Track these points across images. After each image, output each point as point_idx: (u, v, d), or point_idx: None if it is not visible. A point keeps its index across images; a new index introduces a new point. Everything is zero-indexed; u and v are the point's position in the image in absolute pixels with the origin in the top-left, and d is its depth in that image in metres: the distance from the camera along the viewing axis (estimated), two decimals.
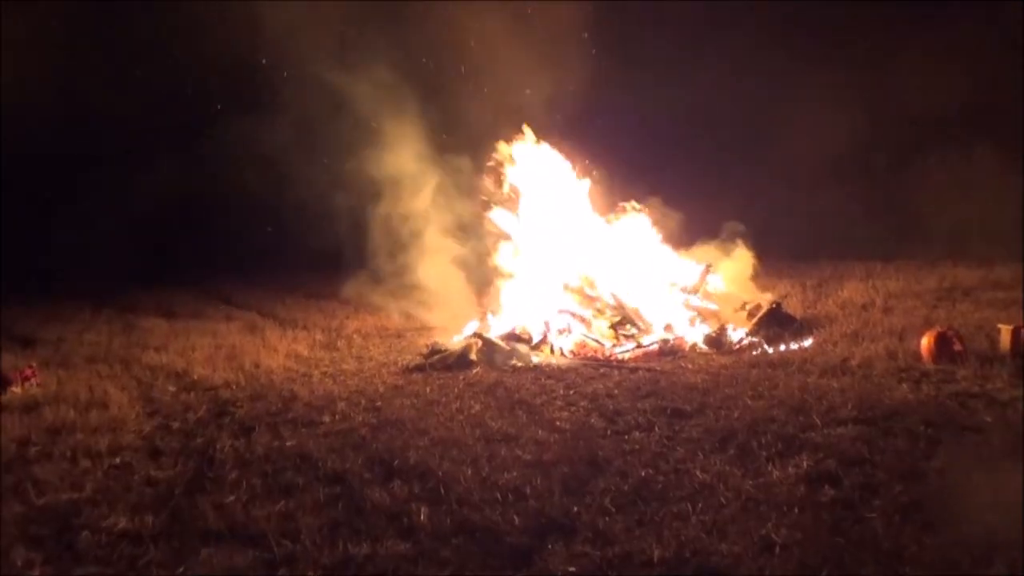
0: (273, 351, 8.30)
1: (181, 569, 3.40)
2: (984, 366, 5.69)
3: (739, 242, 9.46)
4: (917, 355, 6.22)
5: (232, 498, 4.10)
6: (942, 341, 6.08)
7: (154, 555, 3.53)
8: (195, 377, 7.16)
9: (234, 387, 6.76)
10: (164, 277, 14.73)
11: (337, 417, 5.62)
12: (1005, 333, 6.23)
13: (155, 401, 6.39)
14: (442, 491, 4.03)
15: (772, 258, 12.25)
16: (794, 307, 8.85)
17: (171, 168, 14.31)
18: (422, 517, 3.71)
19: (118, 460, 4.87)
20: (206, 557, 3.46)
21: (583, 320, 7.82)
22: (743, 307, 8.45)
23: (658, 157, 14.76)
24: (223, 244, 16.61)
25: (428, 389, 6.39)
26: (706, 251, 9.47)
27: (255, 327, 10.08)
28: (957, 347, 6.05)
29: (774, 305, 8.08)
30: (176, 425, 5.67)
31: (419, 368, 7.19)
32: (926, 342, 6.15)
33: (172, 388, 6.81)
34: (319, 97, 10.31)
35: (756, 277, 9.74)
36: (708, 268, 8.87)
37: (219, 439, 5.21)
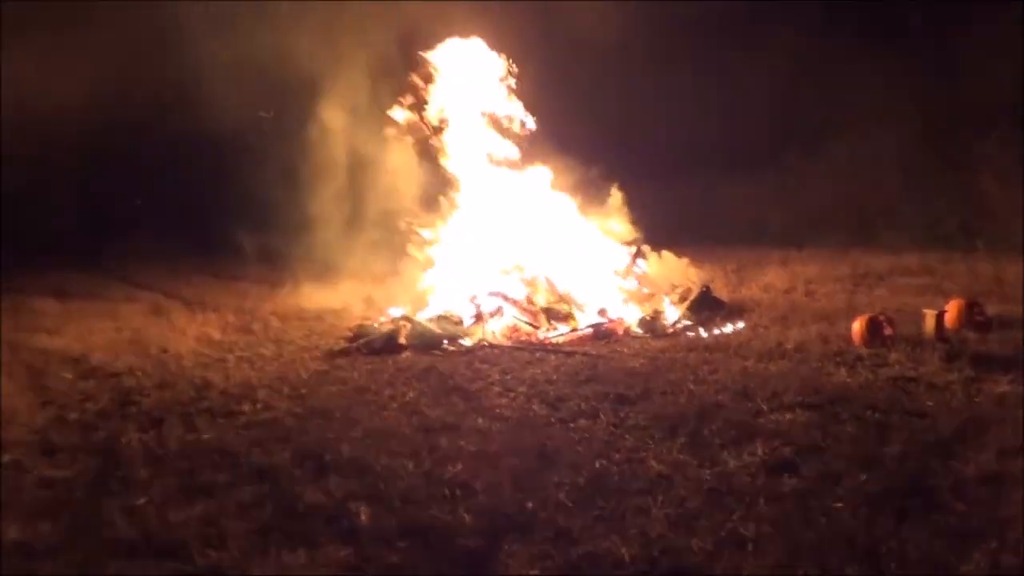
0: (181, 334, 7.72)
1: None
2: (915, 350, 5.78)
3: (613, 192, 9.06)
4: (848, 339, 6.27)
5: (143, 501, 3.65)
6: (873, 326, 6.15)
7: (52, 569, 3.07)
8: (94, 363, 6.56)
9: (139, 374, 6.21)
10: (56, 254, 13.57)
11: (258, 406, 5.20)
12: (929, 318, 6.37)
13: (49, 390, 5.78)
14: (382, 487, 3.71)
15: (691, 243, 12.38)
16: (719, 291, 8.88)
17: (63, 136, 13.18)
18: (363, 517, 3.38)
19: (6, 458, 4.31)
20: (115, 571, 3.03)
21: (515, 303, 7.57)
22: (673, 290, 8.41)
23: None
24: (121, 219, 15.54)
25: (356, 375, 6.03)
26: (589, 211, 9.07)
27: (160, 309, 9.40)
28: (888, 331, 6.14)
29: (704, 289, 8.07)
30: (74, 417, 5.11)
31: (344, 352, 6.81)
32: (858, 326, 6.21)
33: (68, 375, 6.20)
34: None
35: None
36: (638, 252, 8.78)
37: (125, 432, 4.71)
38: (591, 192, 9.10)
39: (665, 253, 9.06)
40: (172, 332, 7.84)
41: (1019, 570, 2.67)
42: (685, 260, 9.18)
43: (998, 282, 9.02)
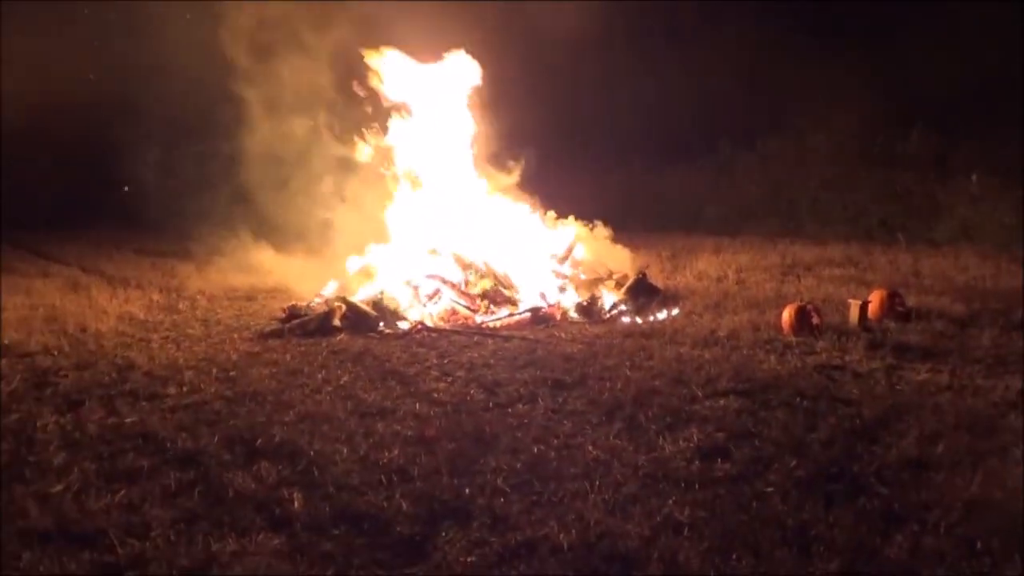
0: (102, 313, 7.38)
1: None
2: (840, 339, 5.97)
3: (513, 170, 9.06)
4: (777, 327, 6.44)
5: (60, 487, 3.47)
6: (801, 315, 6.32)
7: None
8: (6, 342, 6.21)
9: (56, 354, 5.91)
10: None
11: (185, 389, 5.01)
12: (854, 308, 6.60)
13: None
14: (316, 473, 3.62)
15: (628, 229, 12.55)
16: (655, 277, 8.99)
17: None
18: (296, 504, 3.29)
19: None
20: (30, 562, 2.87)
21: (453, 286, 7.50)
22: (610, 276, 8.47)
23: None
24: (35, 191, 14.76)
25: (288, 357, 5.88)
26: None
27: (78, 285, 8.98)
28: (815, 320, 6.32)
29: (640, 275, 8.16)
30: None
31: (276, 334, 6.64)
32: (787, 315, 6.37)
33: None
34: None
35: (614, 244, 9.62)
36: (576, 240, 8.81)
37: (40, 415, 4.47)
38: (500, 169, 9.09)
39: (569, 219, 9.04)
40: (92, 310, 7.49)
41: (939, 552, 2.78)
42: (606, 235, 9.24)
43: (916, 274, 9.42)
